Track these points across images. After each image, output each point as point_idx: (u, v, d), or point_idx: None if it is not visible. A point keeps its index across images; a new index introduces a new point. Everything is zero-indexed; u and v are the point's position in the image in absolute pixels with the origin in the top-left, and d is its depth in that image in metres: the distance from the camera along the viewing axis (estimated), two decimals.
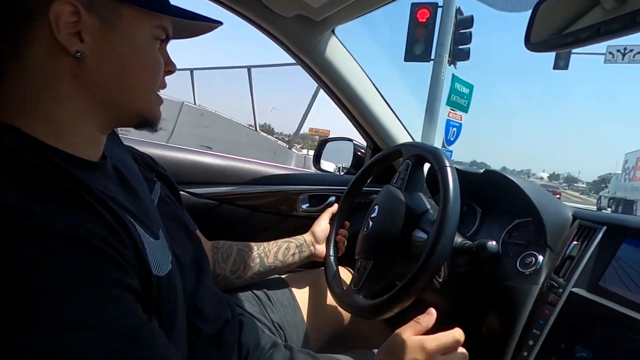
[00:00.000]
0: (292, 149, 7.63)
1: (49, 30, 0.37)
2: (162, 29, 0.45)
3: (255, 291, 0.84)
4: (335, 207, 0.96)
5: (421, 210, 0.78)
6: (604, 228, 0.67)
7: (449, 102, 4.39)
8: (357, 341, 0.91)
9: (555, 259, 0.72)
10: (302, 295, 0.89)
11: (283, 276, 0.93)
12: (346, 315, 0.92)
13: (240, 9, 0.85)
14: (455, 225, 0.64)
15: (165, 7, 0.45)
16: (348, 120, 1.21)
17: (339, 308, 0.82)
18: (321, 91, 1.16)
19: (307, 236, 0.92)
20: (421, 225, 0.75)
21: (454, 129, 4.52)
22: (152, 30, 0.44)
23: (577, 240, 0.71)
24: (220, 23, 0.51)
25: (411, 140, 1.20)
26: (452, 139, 4.53)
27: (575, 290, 0.63)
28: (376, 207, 0.83)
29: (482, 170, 0.95)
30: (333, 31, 0.97)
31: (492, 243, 0.68)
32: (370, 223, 0.81)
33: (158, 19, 0.44)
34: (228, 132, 7.18)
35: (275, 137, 9.23)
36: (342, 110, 1.19)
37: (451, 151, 4.56)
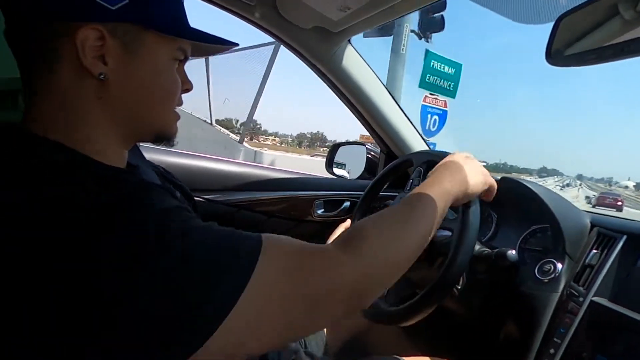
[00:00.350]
0: (244, 143, 7.55)
1: (75, 53, 0.40)
2: (181, 51, 0.47)
3: None
4: (348, 222, 0.94)
5: None
6: (625, 237, 0.68)
7: (423, 84, 3.69)
8: (374, 346, 0.92)
9: (575, 267, 0.72)
10: None
11: None
12: (363, 320, 0.93)
13: (258, 20, 0.86)
14: (476, 233, 0.66)
15: (185, 31, 0.47)
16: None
17: (357, 314, 0.83)
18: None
19: None
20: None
21: (435, 117, 3.83)
22: (172, 53, 0.46)
23: (596, 249, 0.71)
24: (237, 44, 0.53)
25: (425, 146, 1.21)
26: (433, 129, 3.89)
27: (595, 299, 0.64)
28: None
29: (499, 177, 0.95)
30: (349, 41, 0.99)
31: (512, 252, 0.68)
32: None
33: (178, 42, 0.46)
34: (185, 126, 7.18)
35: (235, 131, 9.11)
36: (356, 117, 1.20)
37: (434, 144, 3.91)
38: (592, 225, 0.78)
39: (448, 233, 0.76)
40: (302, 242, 0.43)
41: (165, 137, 0.50)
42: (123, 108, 0.44)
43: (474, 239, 0.65)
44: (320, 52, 0.97)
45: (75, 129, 0.42)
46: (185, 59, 0.50)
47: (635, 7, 0.48)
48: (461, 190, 0.61)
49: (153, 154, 1.06)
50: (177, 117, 0.51)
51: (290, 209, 1.20)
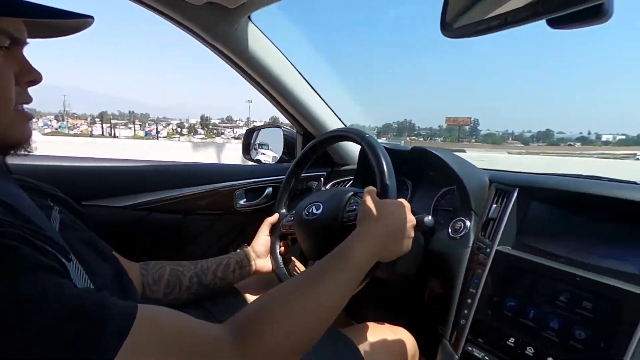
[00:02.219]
0: None
1: None
2: (4, 35, 0.38)
3: (203, 303, 0.80)
4: (275, 217, 0.92)
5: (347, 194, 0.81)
6: (517, 190, 0.76)
7: None
8: None
9: (480, 222, 0.80)
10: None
11: (234, 285, 0.90)
12: None
13: None
14: (394, 179, 0.69)
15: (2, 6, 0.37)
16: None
17: None
18: None
19: (248, 251, 0.87)
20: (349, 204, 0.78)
21: None
22: None
23: (496, 203, 0.79)
24: (90, 17, 0.44)
25: (341, 123, 1.22)
26: None
27: (500, 248, 0.72)
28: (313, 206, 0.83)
29: (409, 147, 1.00)
30: (249, 18, 0.92)
31: (429, 218, 0.73)
32: (310, 222, 0.81)
33: None
34: None
35: None
36: (267, 98, 1.15)
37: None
38: (491, 182, 0.86)
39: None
40: (186, 324, 0.37)
41: (10, 146, 0.41)
42: None
43: (394, 187, 0.69)
44: (218, 31, 0.88)
45: None
46: (18, 43, 0.40)
47: None
48: (376, 257, 0.58)
49: (38, 160, 0.89)
50: (26, 117, 0.42)
51: (210, 204, 1.12)
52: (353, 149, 1.25)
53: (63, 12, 0.41)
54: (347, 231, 0.68)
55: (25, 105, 0.44)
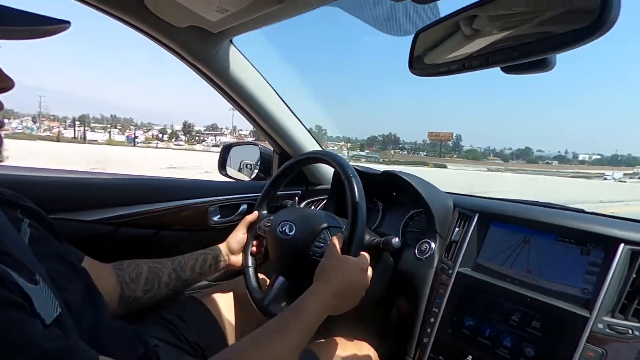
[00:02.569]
0: None
1: None
2: None
3: (165, 316, 0.80)
4: (254, 215, 0.94)
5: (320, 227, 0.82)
6: (477, 215, 0.82)
7: None
8: None
9: (444, 244, 0.85)
10: (218, 310, 0.88)
11: (195, 294, 0.91)
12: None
13: (129, 18, 0.77)
14: (364, 228, 0.72)
15: None
16: None
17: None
18: None
19: (223, 246, 0.91)
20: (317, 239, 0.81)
21: None
22: None
23: (458, 227, 0.85)
24: (66, 22, 0.43)
25: (317, 145, 1.26)
26: None
27: (460, 270, 0.77)
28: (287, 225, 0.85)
29: (381, 171, 1.05)
30: (231, 41, 0.95)
31: (396, 239, 0.77)
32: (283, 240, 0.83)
33: None
34: None
35: None
36: (246, 117, 1.18)
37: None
38: (455, 206, 0.92)
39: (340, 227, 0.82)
40: None
41: None
42: None
43: (363, 232, 0.71)
44: (200, 53, 0.91)
45: None
46: None
47: (472, 25, 0.58)
48: (328, 313, 0.63)
49: (3, 170, 0.87)
50: None
51: (183, 219, 1.12)
52: (328, 170, 1.29)
53: (39, 18, 0.40)
54: (311, 265, 0.72)
55: None
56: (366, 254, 0.72)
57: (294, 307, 0.59)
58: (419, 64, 0.63)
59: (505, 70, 0.56)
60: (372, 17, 0.72)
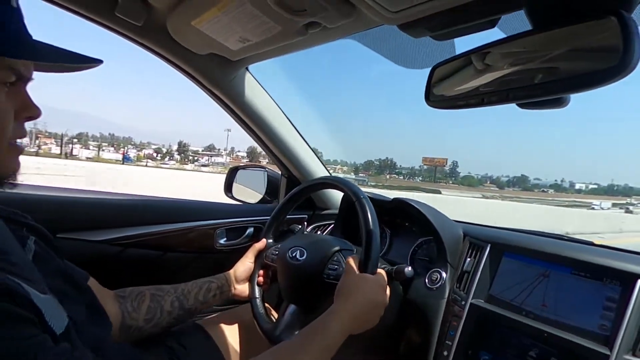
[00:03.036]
0: None
1: None
2: (8, 71, 0.39)
3: (168, 343, 0.78)
4: (262, 243, 0.93)
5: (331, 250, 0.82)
6: (489, 245, 0.82)
7: None
8: None
9: (455, 274, 0.84)
10: (221, 338, 0.85)
11: (198, 321, 0.88)
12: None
13: (151, 44, 0.79)
14: (378, 247, 0.72)
15: (10, 47, 0.38)
16: None
17: (266, 343, 0.81)
18: None
19: (228, 275, 0.89)
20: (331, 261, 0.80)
21: None
22: None
23: (470, 257, 0.84)
24: (100, 61, 0.45)
25: (325, 171, 1.27)
26: None
27: (474, 301, 0.76)
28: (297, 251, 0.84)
29: (391, 198, 1.06)
30: (247, 68, 0.98)
31: (409, 269, 0.76)
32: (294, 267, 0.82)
33: (4, 61, 0.38)
34: None
35: None
36: (256, 141, 1.19)
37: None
38: (465, 235, 0.91)
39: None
40: None
41: None
42: None
43: (377, 255, 0.72)
44: (217, 79, 0.93)
45: None
46: (23, 80, 0.41)
47: (490, 61, 0.60)
48: (349, 332, 0.63)
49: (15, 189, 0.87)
50: (16, 151, 0.42)
51: (190, 241, 1.11)
52: (335, 195, 1.30)
53: (74, 56, 0.42)
54: (326, 288, 0.72)
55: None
56: (383, 272, 0.72)
57: (316, 326, 0.58)
58: (435, 97, 0.65)
59: (521, 105, 0.58)
60: (388, 50, 0.74)
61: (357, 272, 0.69)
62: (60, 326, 0.40)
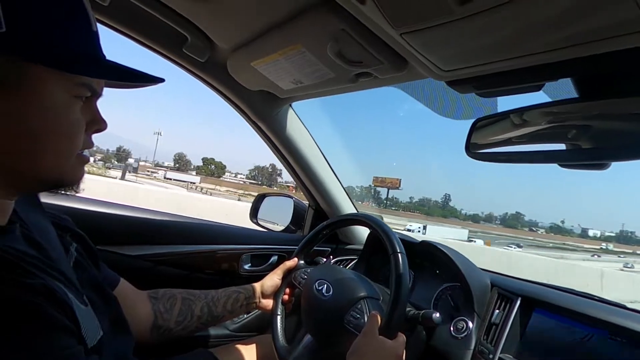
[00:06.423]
0: None
1: None
2: (84, 87, 0.41)
3: None
4: (293, 262, 0.93)
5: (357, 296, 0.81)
6: (520, 299, 0.81)
7: None
8: None
9: (483, 325, 0.83)
10: None
11: (211, 350, 0.88)
12: None
13: (209, 79, 0.86)
14: (405, 307, 0.72)
15: (86, 65, 0.41)
16: None
17: None
18: None
19: (256, 287, 0.90)
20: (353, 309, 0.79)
21: None
22: (71, 89, 0.40)
23: (498, 308, 0.83)
24: (160, 80, 0.47)
25: (352, 207, 1.29)
26: None
27: (502, 356, 0.74)
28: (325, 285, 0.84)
29: (419, 240, 1.06)
30: (290, 105, 1.04)
31: (437, 315, 0.76)
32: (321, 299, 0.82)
33: (79, 77, 0.40)
34: None
35: None
36: (289, 172, 1.24)
37: None
38: (492, 285, 0.90)
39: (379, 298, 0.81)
40: None
41: (63, 185, 0.44)
42: (2, 153, 0.38)
43: (404, 307, 0.71)
44: (263, 113, 0.99)
45: None
46: (95, 95, 0.44)
47: (522, 116, 0.63)
48: None
49: (62, 200, 0.93)
50: (83, 160, 0.45)
51: (216, 264, 1.14)
52: (360, 231, 1.31)
53: (139, 75, 0.45)
54: (343, 334, 0.72)
55: None
56: (403, 336, 0.71)
57: None
58: (475, 149, 0.67)
59: (563, 165, 0.60)
60: (430, 100, 0.78)
61: (376, 333, 0.67)
62: (93, 338, 0.42)
